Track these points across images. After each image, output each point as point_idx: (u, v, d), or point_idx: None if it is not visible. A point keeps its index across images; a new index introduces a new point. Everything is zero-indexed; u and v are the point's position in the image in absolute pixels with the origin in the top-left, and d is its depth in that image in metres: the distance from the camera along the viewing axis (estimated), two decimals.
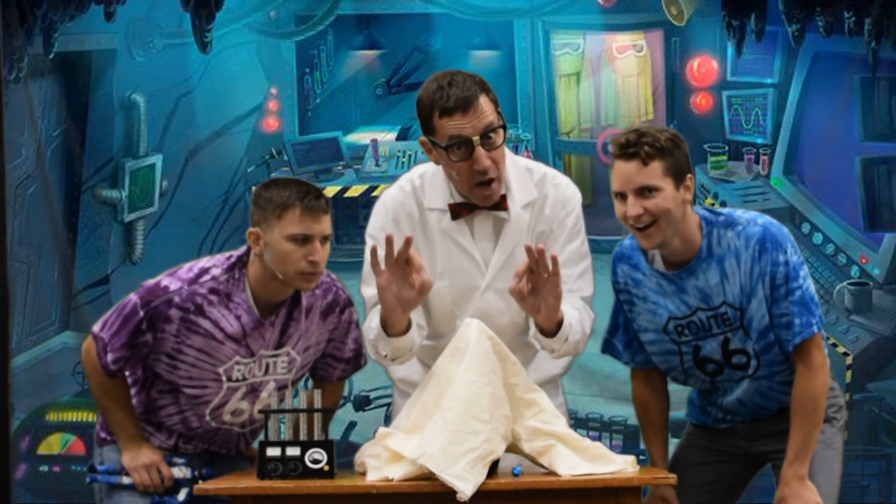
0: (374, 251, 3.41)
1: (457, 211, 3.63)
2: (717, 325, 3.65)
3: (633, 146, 3.53)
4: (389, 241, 3.39)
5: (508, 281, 3.52)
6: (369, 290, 3.63)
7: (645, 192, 3.53)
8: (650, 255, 3.70)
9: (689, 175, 3.58)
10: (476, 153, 3.51)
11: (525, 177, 3.68)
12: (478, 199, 3.60)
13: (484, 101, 3.52)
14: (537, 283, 3.41)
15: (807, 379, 3.61)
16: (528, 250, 3.37)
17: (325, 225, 3.61)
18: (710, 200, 6.59)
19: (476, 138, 3.50)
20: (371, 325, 3.57)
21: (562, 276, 3.50)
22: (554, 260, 3.37)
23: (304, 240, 3.58)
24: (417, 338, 3.59)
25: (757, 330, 3.62)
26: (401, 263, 3.41)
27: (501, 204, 3.63)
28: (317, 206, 3.58)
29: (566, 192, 3.71)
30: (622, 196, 3.56)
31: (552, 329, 3.49)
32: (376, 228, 3.67)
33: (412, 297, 3.45)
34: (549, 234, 3.68)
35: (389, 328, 3.49)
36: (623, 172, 3.55)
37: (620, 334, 3.82)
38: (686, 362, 3.72)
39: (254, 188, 3.72)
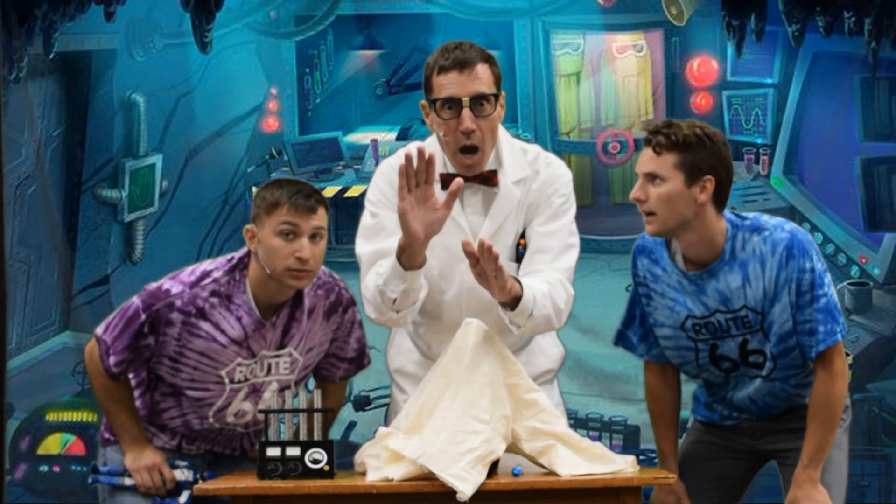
0: (401, 170, 3.40)
1: (447, 181, 3.61)
2: (737, 327, 3.65)
3: (655, 134, 3.58)
4: (409, 161, 3.40)
5: None
6: (369, 246, 3.65)
7: (652, 178, 3.57)
8: (672, 251, 3.70)
9: (708, 177, 3.56)
10: (463, 114, 3.56)
11: (519, 155, 3.72)
12: (460, 167, 3.63)
13: (482, 69, 3.58)
14: (484, 269, 3.39)
15: (827, 384, 3.61)
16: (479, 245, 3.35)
17: (315, 222, 3.61)
18: None
19: (465, 100, 3.55)
20: (378, 270, 3.54)
21: (542, 246, 3.63)
22: (489, 248, 3.33)
23: (292, 235, 3.59)
24: (424, 287, 3.56)
25: (777, 334, 3.62)
26: (421, 182, 3.40)
27: (492, 179, 3.65)
28: (304, 205, 3.60)
29: (557, 170, 3.74)
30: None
31: (509, 302, 3.46)
32: (374, 193, 3.71)
33: (436, 218, 3.43)
34: (536, 207, 3.70)
35: (408, 259, 3.45)
36: (640, 156, 3.62)
37: (636, 327, 3.82)
38: (701, 359, 3.72)
39: (254, 188, 3.73)
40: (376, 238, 3.66)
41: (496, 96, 3.61)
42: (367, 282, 3.61)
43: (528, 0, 6.66)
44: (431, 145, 3.69)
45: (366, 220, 3.71)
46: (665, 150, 3.56)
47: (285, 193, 3.62)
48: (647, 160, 3.59)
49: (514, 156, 3.71)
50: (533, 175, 3.70)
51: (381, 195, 3.70)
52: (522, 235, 3.71)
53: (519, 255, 3.70)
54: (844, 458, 3.76)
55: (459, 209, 3.66)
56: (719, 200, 3.60)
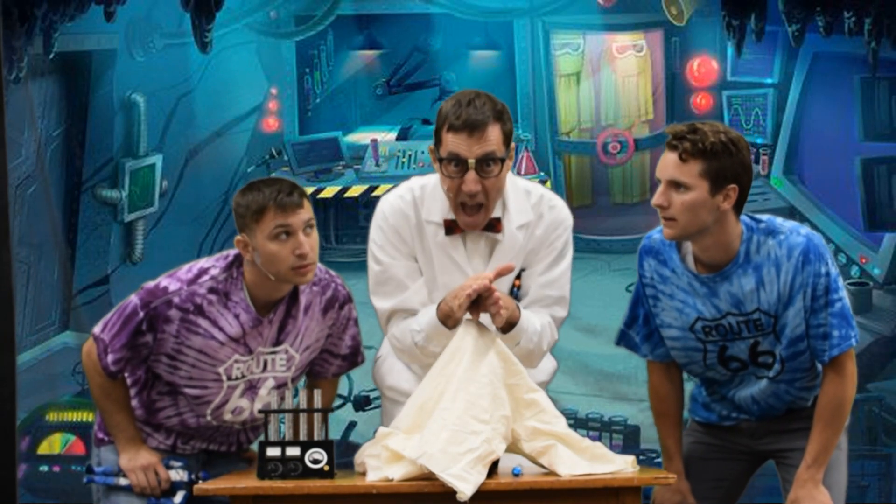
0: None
1: (451, 227, 3.67)
2: (748, 329, 3.64)
3: (680, 139, 3.52)
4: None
5: None
6: (386, 304, 3.73)
7: (676, 186, 3.52)
8: (683, 252, 3.67)
9: (732, 185, 3.52)
10: (467, 175, 3.57)
11: (523, 199, 3.74)
12: (460, 222, 3.66)
13: (493, 130, 3.58)
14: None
15: (837, 387, 3.61)
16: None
17: (304, 216, 3.62)
18: None
19: (472, 161, 3.56)
20: (413, 328, 3.66)
21: (541, 296, 3.70)
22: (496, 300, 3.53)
23: (286, 235, 3.60)
24: None
25: (789, 337, 3.61)
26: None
27: (496, 226, 3.68)
28: (289, 202, 3.60)
29: (560, 214, 3.76)
30: (660, 183, 3.57)
31: (504, 328, 3.60)
32: (378, 235, 3.74)
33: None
34: (536, 253, 3.73)
35: (453, 322, 3.58)
36: (663, 161, 3.56)
37: (639, 326, 3.80)
38: (710, 360, 3.71)
39: (235, 196, 3.72)
40: (391, 293, 3.72)
41: (503, 159, 3.61)
42: (394, 334, 3.73)
43: (528, 0, 6.66)
44: (435, 186, 3.72)
45: (373, 267, 3.75)
46: (691, 158, 3.50)
47: (268, 196, 3.61)
48: (671, 167, 3.52)
49: (518, 200, 3.73)
50: (536, 219, 3.73)
51: (384, 239, 3.73)
52: (518, 276, 3.74)
53: (513, 295, 3.72)
54: (845, 459, 3.77)
55: (463, 254, 3.70)
56: (739, 206, 3.57)
